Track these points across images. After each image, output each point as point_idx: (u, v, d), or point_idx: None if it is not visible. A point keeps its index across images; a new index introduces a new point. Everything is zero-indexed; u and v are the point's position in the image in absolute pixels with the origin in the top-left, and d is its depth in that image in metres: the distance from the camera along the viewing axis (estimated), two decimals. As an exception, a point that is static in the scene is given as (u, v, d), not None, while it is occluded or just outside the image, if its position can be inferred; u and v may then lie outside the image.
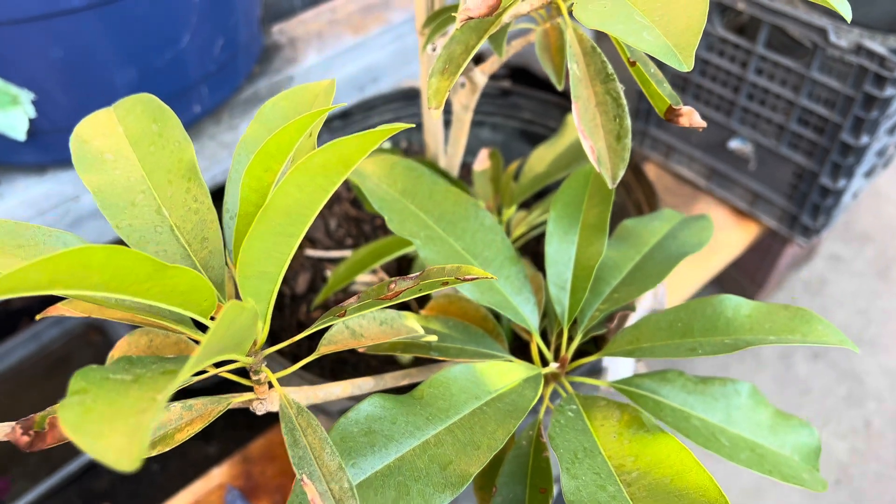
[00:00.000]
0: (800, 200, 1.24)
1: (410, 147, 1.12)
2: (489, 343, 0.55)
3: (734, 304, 0.51)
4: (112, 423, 0.27)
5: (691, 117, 0.46)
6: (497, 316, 0.60)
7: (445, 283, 0.42)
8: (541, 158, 0.80)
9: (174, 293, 0.36)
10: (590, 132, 0.49)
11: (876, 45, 1.04)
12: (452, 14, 0.64)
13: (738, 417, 0.54)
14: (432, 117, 0.78)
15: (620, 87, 0.48)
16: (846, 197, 1.23)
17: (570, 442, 0.46)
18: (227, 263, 0.44)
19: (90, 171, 0.45)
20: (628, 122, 0.48)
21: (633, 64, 0.48)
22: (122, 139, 0.47)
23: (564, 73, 0.60)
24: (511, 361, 0.53)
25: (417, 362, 0.68)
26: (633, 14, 0.39)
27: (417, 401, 0.47)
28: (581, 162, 0.72)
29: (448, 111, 0.87)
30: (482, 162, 0.87)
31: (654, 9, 0.38)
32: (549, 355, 0.56)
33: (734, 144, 1.25)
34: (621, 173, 0.49)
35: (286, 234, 0.38)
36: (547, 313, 0.57)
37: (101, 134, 0.47)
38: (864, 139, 1.11)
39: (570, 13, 0.52)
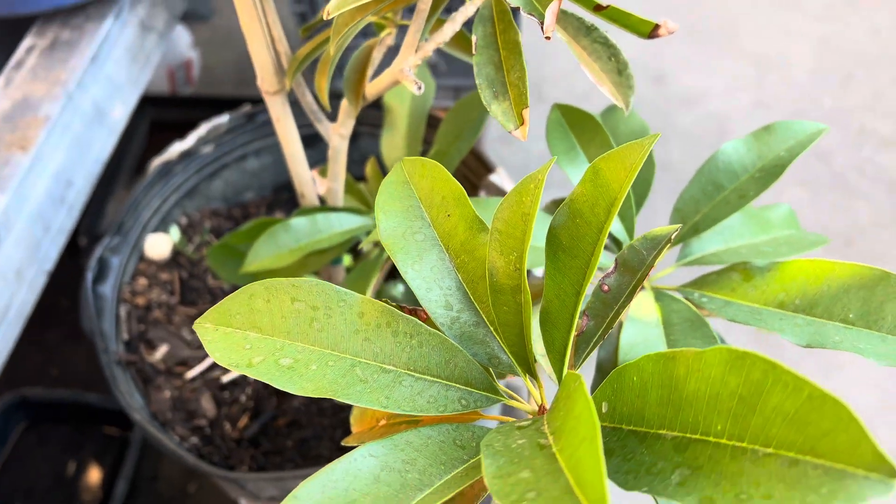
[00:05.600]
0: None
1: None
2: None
3: (732, 148, 0.61)
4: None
5: (667, 26, 0.54)
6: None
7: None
8: (395, 146, 0.82)
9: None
10: (598, 80, 0.54)
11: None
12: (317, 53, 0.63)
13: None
14: (299, 167, 0.75)
15: (605, 31, 0.54)
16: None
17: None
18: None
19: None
20: (623, 56, 0.54)
21: (603, 8, 0.53)
22: (274, 343, 0.42)
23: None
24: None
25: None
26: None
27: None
28: (475, 122, 0.75)
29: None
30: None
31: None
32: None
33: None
34: (632, 100, 0.55)
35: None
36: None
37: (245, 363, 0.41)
38: None
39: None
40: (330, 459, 0.92)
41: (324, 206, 0.78)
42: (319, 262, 0.78)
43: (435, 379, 0.42)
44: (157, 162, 0.98)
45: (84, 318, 0.89)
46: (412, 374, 0.42)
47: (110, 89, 1.26)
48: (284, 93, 0.69)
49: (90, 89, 1.21)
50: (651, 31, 0.54)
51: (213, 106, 1.53)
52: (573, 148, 0.61)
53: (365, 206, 0.83)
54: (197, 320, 0.44)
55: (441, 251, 0.45)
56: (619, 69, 0.54)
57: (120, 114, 1.28)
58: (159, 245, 0.97)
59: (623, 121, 0.68)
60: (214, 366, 0.95)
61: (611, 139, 0.60)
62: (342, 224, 0.75)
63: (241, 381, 0.94)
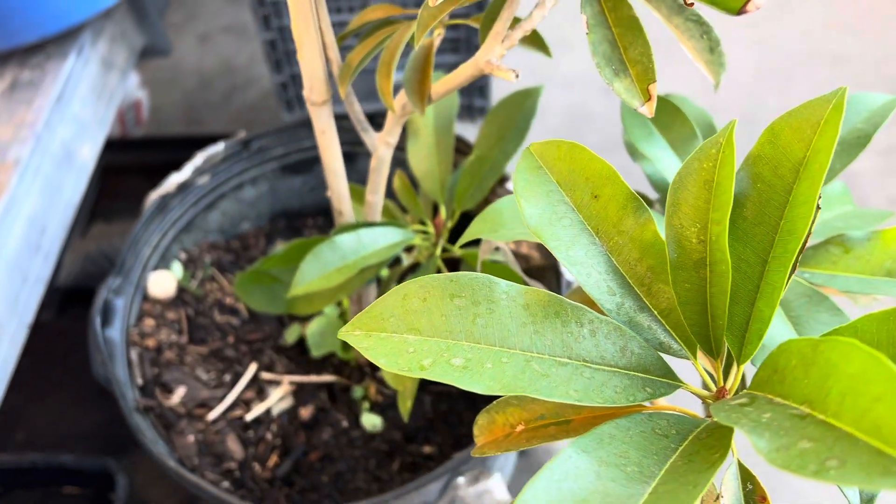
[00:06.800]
0: (467, 90, 1.37)
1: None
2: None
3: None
4: None
5: (755, 1, 0.53)
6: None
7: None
8: (423, 156, 0.79)
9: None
10: (694, 57, 0.53)
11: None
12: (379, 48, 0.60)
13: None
14: (339, 183, 0.72)
15: (698, 9, 0.53)
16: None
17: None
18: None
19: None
20: (715, 33, 0.53)
21: (695, -14, 0.52)
22: (438, 344, 0.38)
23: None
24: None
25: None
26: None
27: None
28: (518, 122, 0.73)
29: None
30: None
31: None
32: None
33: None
34: (722, 77, 0.55)
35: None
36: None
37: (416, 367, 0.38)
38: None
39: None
40: (368, 491, 0.87)
41: (362, 222, 0.75)
42: (362, 282, 0.74)
43: (613, 369, 0.39)
44: (154, 196, 0.92)
45: (96, 364, 0.82)
46: (589, 365, 0.39)
47: (77, 129, 1.19)
48: (331, 103, 0.65)
49: (58, 130, 1.15)
50: (741, 7, 0.53)
51: (167, 147, 1.46)
52: (651, 133, 0.60)
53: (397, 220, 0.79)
54: (343, 329, 0.40)
55: (590, 235, 0.43)
56: (710, 47, 0.53)
57: (88, 154, 1.21)
58: (163, 283, 0.91)
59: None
60: (235, 405, 0.89)
61: (692, 122, 0.59)
62: (387, 238, 0.72)
63: (265, 419, 0.89)
